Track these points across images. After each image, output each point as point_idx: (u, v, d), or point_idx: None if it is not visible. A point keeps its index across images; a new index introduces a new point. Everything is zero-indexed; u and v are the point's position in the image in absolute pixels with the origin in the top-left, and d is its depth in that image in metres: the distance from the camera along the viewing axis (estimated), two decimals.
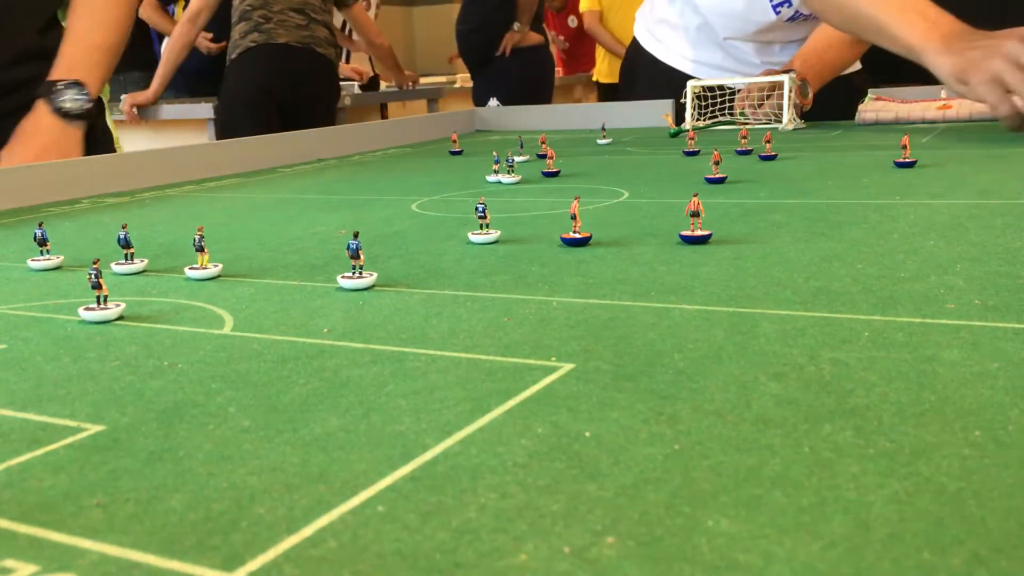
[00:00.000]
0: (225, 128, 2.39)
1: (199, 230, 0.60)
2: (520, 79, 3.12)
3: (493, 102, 2.06)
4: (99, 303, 0.50)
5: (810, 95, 1.43)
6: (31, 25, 1.22)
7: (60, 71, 1.17)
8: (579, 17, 4.68)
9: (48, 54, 1.19)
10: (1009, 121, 1.06)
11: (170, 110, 2.59)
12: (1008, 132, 1.08)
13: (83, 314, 0.50)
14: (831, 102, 1.46)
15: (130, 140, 2.40)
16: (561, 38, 4.87)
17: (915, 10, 1.14)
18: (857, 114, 1.39)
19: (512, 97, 2.15)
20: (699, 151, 1.13)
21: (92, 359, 0.43)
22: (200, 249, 0.59)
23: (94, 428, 0.34)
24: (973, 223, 0.62)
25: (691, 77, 1.52)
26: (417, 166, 1.21)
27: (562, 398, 0.34)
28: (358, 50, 3.39)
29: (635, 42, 1.75)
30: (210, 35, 2.78)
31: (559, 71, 4.79)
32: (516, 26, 3.12)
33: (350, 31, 3.25)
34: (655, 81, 1.63)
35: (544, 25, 4.95)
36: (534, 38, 3.23)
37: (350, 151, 1.43)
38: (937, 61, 1.09)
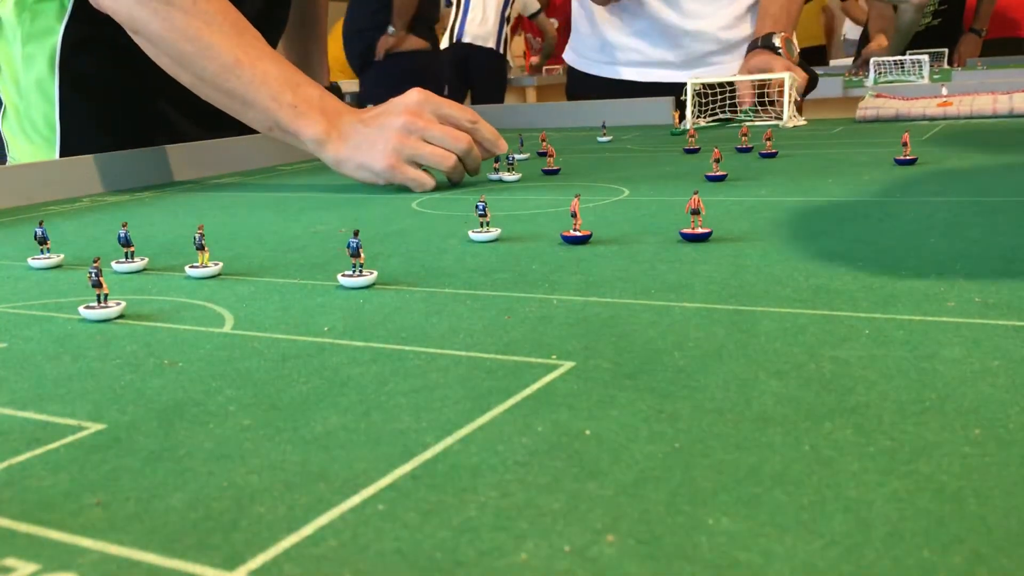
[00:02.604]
0: None
1: (199, 228, 0.60)
2: (398, 85, 3.01)
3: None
4: (99, 302, 0.50)
5: (796, 53, 1.45)
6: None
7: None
8: (560, 20, 4.78)
9: None
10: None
11: None
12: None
13: (83, 313, 0.50)
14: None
15: None
16: (539, 40, 4.94)
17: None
18: (857, 111, 1.39)
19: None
20: (699, 149, 1.13)
21: (92, 358, 0.43)
22: (200, 247, 0.59)
23: (94, 427, 0.34)
24: (974, 220, 0.62)
25: (631, 82, 1.55)
26: None
27: (562, 396, 0.34)
28: None
29: (570, 72, 1.78)
30: None
31: (525, 69, 4.92)
32: (390, 29, 3.02)
33: None
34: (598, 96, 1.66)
35: (520, 27, 5.02)
36: (415, 43, 3.12)
37: None
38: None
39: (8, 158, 1.26)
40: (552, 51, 4.90)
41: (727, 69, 1.59)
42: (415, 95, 0.95)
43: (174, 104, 1.25)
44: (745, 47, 1.61)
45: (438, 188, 0.94)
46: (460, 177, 0.95)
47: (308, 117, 0.94)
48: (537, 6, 4.65)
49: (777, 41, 1.44)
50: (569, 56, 1.79)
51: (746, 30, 1.61)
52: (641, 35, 1.63)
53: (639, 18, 1.61)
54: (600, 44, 1.68)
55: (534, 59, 4.94)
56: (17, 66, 1.20)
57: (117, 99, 1.23)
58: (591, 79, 1.72)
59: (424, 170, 0.93)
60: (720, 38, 1.60)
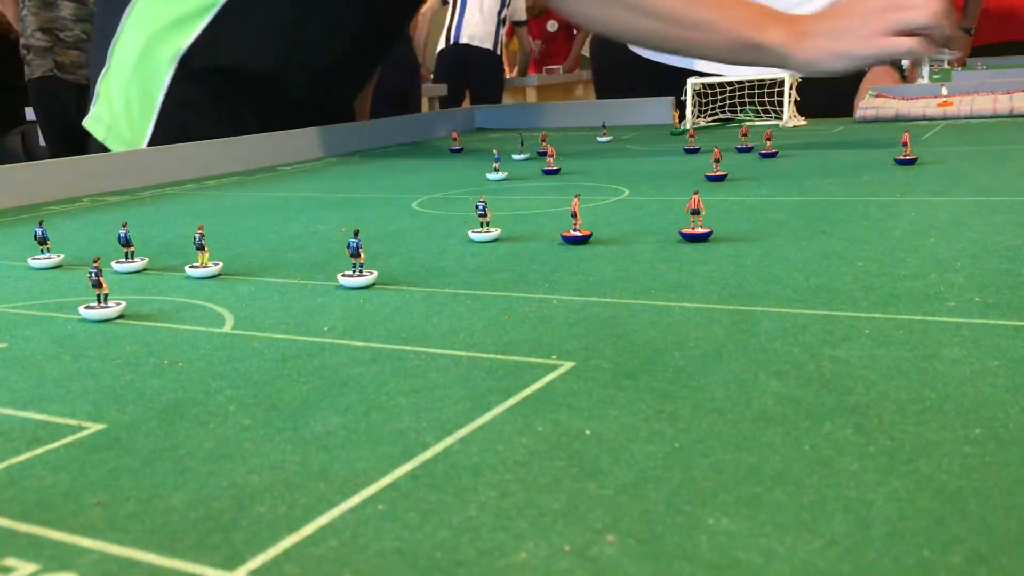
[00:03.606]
0: None
1: (199, 228, 0.60)
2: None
3: None
4: (99, 302, 0.50)
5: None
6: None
7: None
8: (559, 21, 4.80)
9: None
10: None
11: None
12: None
13: (83, 313, 0.50)
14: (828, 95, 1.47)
15: None
16: (538, 41, 4.96)
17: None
18: (857, 111, 1.39)
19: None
20: (699, 149, 1.13)
21: (92, 358, 0.43)
22: (200, 247, 0.59)
23: (94, 427, 0.34)
24: (974, 220, 0.62)
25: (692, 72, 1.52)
26: (417, 164, 1.21)
27: (562, 396, 0.34)
28: None
29: (635, 61, 1.75)
30: None
31: (530, 70, 4.94)
32: None
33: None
34: (656, 86, 1.63)
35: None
36: None
37: (350, 149, 1.43)
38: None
39: (91, 111, 1.31)
40: (528, 62, 4.91)
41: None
42: None
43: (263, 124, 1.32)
44: None
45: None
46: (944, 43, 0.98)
47: (770, 27, 0.98)
48: (524, 16, 4.64)
49: None
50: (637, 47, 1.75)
51: None
52: None
53: None
54: None
55: (514, 71, 4.93)
56: (148, 37, 1.24)
57: (219, 113, 1.30)
58: (657, 67, 1.68)
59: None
60: None
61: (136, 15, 1.26)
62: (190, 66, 1.25)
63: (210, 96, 1.28)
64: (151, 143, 1.26)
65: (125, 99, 1.27)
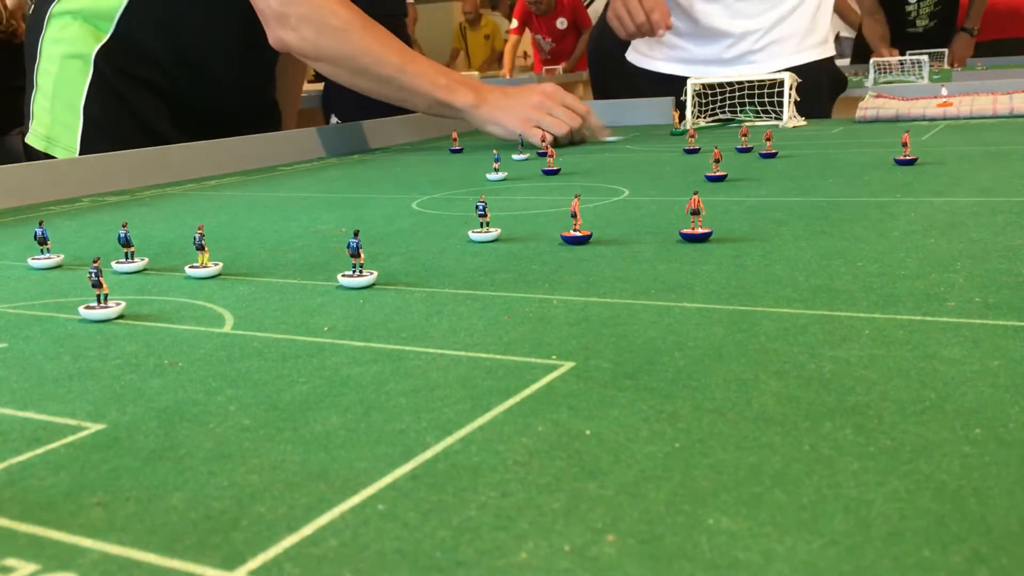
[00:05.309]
0: None
1: (199, 228, 0.60)
2: (351, 95, 2.86)
3: (333, 119, 2.08)
4: (99, 302, 0.50)
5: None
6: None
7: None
8: (568, 19, 4.79)
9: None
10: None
11: None
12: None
13: (83, 313, 0.50)
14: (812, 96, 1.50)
15: None
16: (549, 40, 4.96)
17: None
18: (857, 111, 1.39)
19: (347, 113, 2.02)
20: (699, 149, 1.13)
21: (92, 358, 0.43)
22: (200, 247, 0.59)
23: (94, 427, 0.34)
24: (974, 220, 0.62)
25: (682, 77, 1.55)
26: (417, 164, 1.21)
27: (562, 396, 0.34)
28: None
29: (630, 69, 1.80)
30: None
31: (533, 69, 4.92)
32: None
33: None
34: (654, 90, 1.68)
35: (529, 27, 4.99)
36: None
37: (350, 149, 1.43)
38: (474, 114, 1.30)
39: (29, 130, 1.37)
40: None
41: (761, 68, 1.59)
42: (551, 86, 1.34)
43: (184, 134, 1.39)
44: (778, 47, 1.61)
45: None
46: (566, 142, 1.31)
47: (459, 92, 1.29)
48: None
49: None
50: (630, 54, 1.82)
51: (784, 30, 1.62)
52: (689, 36, 1.66)
53: (686, 20, 1.65)
54: (651, 40, 1.71)
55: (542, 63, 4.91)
56: (63, 55, 1.34)
57: (132, 112, 1.36)
58: (645, 73, 1.74)
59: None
60: (762, 39, 1.62)
61: (50, 38, 1.36)
62: (102, 68, 1.33)
63: (122, 97, 1.35)
64: (82, 148, 1.33)
65: (53, 113, 1.36)
